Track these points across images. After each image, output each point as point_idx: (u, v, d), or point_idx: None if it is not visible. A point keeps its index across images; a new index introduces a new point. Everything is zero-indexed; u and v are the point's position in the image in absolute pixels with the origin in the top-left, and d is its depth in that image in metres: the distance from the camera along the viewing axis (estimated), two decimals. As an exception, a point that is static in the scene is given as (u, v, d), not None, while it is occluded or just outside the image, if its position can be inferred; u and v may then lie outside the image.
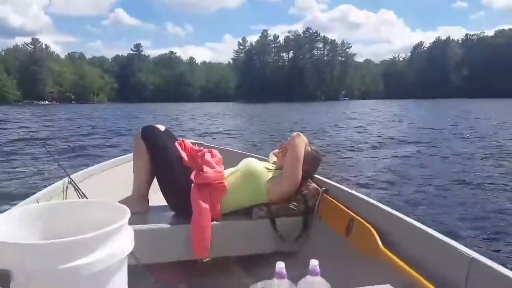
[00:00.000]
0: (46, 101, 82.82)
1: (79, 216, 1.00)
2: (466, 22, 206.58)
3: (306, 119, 21.92)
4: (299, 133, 1.91)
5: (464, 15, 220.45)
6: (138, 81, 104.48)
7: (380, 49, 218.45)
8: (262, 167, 1.91)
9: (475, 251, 1.04)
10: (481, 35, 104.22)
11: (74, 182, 1.97)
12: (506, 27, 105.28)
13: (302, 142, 1.86)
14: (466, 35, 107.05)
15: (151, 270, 1.41)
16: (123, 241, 0.86)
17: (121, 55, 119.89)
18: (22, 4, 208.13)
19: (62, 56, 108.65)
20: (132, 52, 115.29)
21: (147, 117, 26.66)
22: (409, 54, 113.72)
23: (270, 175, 1.85)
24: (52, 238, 0.78)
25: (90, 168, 2.43)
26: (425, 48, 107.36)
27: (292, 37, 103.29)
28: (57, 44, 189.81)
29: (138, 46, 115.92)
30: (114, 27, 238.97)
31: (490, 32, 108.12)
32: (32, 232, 0.96)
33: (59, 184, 1.98)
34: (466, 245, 1.07)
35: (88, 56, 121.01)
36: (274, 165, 2.00)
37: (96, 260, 0.78)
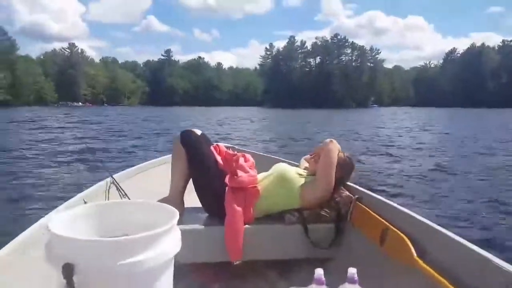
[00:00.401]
0: (80, 103, 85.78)
1: (126, 216, 1.05)
2: (502, 28, 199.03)
3: (335, 126, 21.85)
4: (332, 139, 1.92)
5: (498, 21, 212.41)
6: (168, 85, 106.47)
7: (408, 55, 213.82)
8: (295, 172, 1.93)
9: None
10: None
11: (116, 182, 2.02)
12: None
13: (335, 148, 1.87)
14: (503, 40, 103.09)
15: (187, 270, 1.43)
16: (172, 241, 0.91)
17: (152, 60, 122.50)
18: (60, 11, 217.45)
19: (97, 60, 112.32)
20: (162, 57, 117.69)
21: (180, 120, 27.00)
22: (441, 61, 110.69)
23: (302, 180, 1.87)
24: (105, 236, 0.84)
25: (130, 168, 2.54)
26: (458, 55, 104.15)
27: (319, 43, 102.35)
28: (91, 48, 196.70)
29: (168, 52, 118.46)
30: (145, 33, 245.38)
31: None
32: (87, 229, 1.02)
33: (102, 184, 2.04)
34: (506, 261, 1.03)
35: (120, 61, 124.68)
36: (305, 171, 2.02)
37: (149, 258, 0.82)
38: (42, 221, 1.40)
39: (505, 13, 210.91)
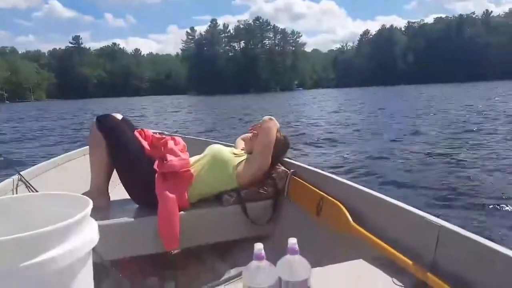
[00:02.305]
0: (-26, 101, 74.51)
1: (33, 212, 0.91)
2: (401, 11, 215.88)
3: (263, 109, 21.57)
4: (271, 117, 1.87)
5: (399, 5, 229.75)
6: (79, 75, 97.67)
7: (323, 39, 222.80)
8: (229, 152, 1.86)
9: (443, 219, 1.06)
10: (421, 23, 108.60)
11: (24, 179, 1.78)
12: (438, 15, 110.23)
13: (274, 126, 1.84)
14: (408, 22, 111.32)
15: (118, 266, 1.38)
16: (87, 234, 0.80)
17: (59, 48, 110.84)
18: None
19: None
20: (70, 45, 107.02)
21: (94, 112, 24.58)
22: (356, 42, 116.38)
23: (238, 160, 1.81)
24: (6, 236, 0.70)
25: (42, 163, 2.19)
26: (371, 36, 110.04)
27: (242, 27, 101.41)
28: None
29: (77, 39, 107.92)
30: (48, 19, 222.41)
31: (429, 20, 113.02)
32: None
33: (7, 182, 1.77)
34: (434, 215, 1.10)
35: (21, 51, 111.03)
36: (242, 151, 1.96)
37: (60, 255, 0.72)
38: None
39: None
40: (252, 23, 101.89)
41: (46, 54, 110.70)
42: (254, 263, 0.81)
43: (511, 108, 13.55)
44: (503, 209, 3.38)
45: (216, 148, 1.89)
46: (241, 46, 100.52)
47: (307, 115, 15.75)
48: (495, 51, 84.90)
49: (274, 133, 1.82)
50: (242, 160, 1.81)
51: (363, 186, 1.43)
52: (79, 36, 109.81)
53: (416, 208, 1.16)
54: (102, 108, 30.19)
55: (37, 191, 1.71)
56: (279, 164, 1.90)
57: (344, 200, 1.43)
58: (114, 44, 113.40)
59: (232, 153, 1.87)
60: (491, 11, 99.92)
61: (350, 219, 1.33)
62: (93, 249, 0.83)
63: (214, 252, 1.79)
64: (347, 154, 6.43)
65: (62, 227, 0.72)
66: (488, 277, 0.92)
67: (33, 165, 2.15)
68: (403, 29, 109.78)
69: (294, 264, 0.83)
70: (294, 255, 0.83)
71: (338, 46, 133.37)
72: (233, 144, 2.27)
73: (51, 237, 0.71)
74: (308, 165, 1.83)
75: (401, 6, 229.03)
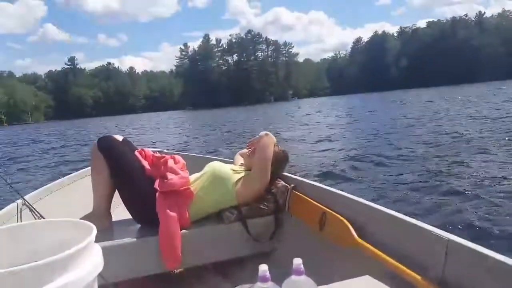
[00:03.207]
0: (-28, 126, 75.06)
1: (38, 239, 0.91)
2: (389, 18, 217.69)
3: (258, 121, 21.64)
4: (267, 132, 1.87)
5: (387, 12, 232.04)
6: (76, 95, 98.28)
7: (313, 48, 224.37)
8: (229, 169, 1.85)
9: (451, 233, 1.04)
10: (413, 27, 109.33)
11: (28, 203, 1.79)
12: (429, 19, 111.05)
13: (270, 141, 1.84)
14: (401, 27, 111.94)
15: None
16: (91, 261, 0.79)
17: (55, 70, 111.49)
18: None
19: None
20: (66, 66, 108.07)
21: (93, 132, 24.82)
22: (349, 50, 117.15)
23: (237, 176, 1.80)
24: (10, 267, 0.68)
25: (45, 187, 2.21)
26: (364, 43, 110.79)
27: (234, 40, 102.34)
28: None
29: (72, 60, 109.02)
30: (43, 42, 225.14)
31: (421, 24, 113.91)
32: None
33: (11, 207, 1.78)
34: (442, 228, 1.07)
35: (18, 74, 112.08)
36: (241, 167, 1.95)
37: (64, 285, 0.70)
38: None
39: (391, 5, 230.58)
40: (244, 36, 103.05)
41: (43, 76, 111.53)
42: (259, 285, 0.80)
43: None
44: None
45: (215, 165, 1.89)
46: (234, 60, 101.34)
47: (304, 125, 15.50)
48: (488, 52, 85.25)
49: (271, 148, 1.82)
50: (242, 177, 1.80)
51: (366, 199, 1.39)
52: (74, 57, 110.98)
53: (423, 222, 1.13)
54: (101, 127, 30.01)
55: (41, 215, 1.73)
56: (279, 179, 1.89)
57: (347, 214, 1.40)
58: (109, 63, 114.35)
59: (232, 170, 1.86)
60: (484, 13, 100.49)
61: (355, 234, 1.31)
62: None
63: (217, 271, 1.77)
64: (346, 165, 6.19)
65: (66, 256, 0.71)
66: None
67: (36, 188, 2.16)
68: (395, 34, 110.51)
69: (300, 285, 0.81)
70: (299, 276, 0.81)
71: (330, 55, 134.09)
72: (232, 160, 2.26)
73: (54, 268, 0.69)
74: (309, 179, 1.81)
75: (389, 12, 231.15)
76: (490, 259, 0.91)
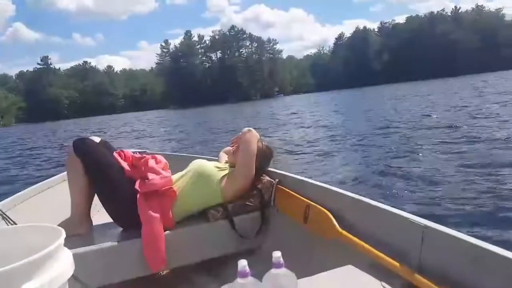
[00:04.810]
0: None
1: (5, 246, 0.86)
2: (368, 14, 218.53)
3: (244, 118, 21.34)
4: (250, 128, 1.85)
5: (365, 8, 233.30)
6: (50, 96, 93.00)
7: (295, 46, 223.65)
8: (213, 167, 1.83)
9: (428, 219, 1.07)
10: (393, 23, 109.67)
11: (1, 211, 1.68)
12: (407, 15, 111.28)
13: (254, 137, 1.83)
14: (381, 23, 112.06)
15: None
16: (60, 266, 0.74)
17: (27, 71, 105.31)
18: None
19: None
20: (39, 66, 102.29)
21: (69, 135, 22.90)
22: (331, 46, 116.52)
23: (221, 174, 1.78)
24: None
25: (20, 193, 2.16)
26: (346, 39, 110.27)
27: (217, 37, 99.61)
28: None
29: (45, 60, 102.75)
30: (13, 42, 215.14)
31: (401, 20, 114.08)
32: None
33: None
34: (419, 215, 1.11)
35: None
36: (225, 164, 1.93)
37: None
38: None
39: (369, 2, 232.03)
40: (228, 32, 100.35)
41: (14, 77, 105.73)
42: (238, 281, 0.79)
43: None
44: (491, 205, 3.27)
45: (199, 163, 1.84)
46: (218, 56, 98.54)
47: (288, 121, 15.55)
48: (465, 46, 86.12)
49: (254, 144, 1.79)
50: (226, 174, 1.76)
51: (348, 191, 1.41)
52: (47, 56, 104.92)
53: (401, 209, 1.16)
54: (78, 129, 28.36)
55: (14, 223, 1.58)
56: (263, 174, 1.87)
57: (330, 206, 1.42)
58: (85, 62, 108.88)
59: (216, 167, 1.83)
60: (459, 7, 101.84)
61: (337, 225, 1.33)
62: (77, 278, 0.79)
63: (203, 270, 1.74)
64: (329, 158, 6.41)
65: (31, 261, 0.67)
66: (475, 274, 0.90)
67: (11, 195, 2.05)
68: (376, 30, 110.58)
69: (280, 277, 0.81)
70: (279, 268, 0.81)
71: (311, 51, 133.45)
72: (216, 158, 2.22)
73: (18, 274, 0.66)
74: (293, 173, 1.81)
75: (368, 8, 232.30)
76: (466, 243, 0.92)
